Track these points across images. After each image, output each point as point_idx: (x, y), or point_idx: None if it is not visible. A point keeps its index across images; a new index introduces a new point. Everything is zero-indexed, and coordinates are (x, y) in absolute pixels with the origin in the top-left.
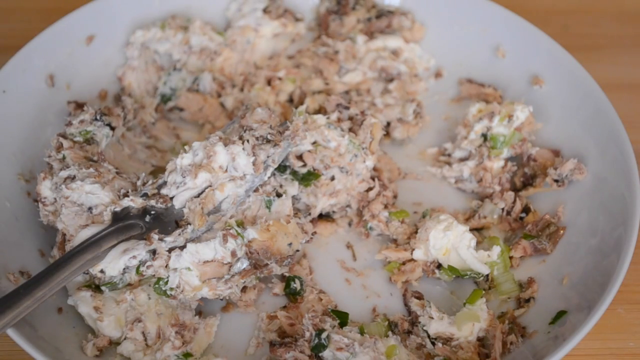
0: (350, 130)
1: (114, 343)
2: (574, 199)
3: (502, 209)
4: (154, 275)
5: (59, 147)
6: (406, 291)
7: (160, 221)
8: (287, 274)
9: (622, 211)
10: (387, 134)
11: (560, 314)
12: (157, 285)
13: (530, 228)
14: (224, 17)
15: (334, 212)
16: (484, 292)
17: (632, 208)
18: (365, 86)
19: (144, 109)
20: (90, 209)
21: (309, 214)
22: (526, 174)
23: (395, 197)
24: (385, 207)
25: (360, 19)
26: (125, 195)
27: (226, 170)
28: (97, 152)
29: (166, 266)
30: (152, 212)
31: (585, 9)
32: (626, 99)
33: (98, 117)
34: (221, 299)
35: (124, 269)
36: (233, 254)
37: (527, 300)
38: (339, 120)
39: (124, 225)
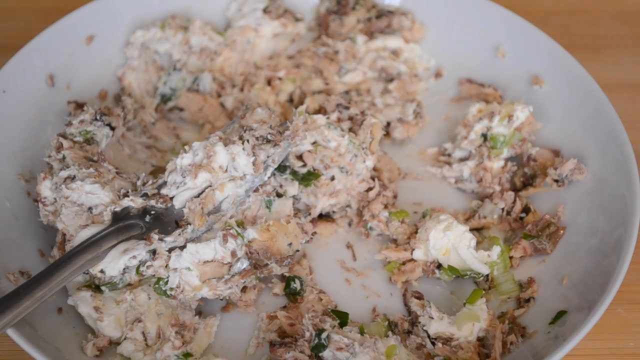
0: (350, 130)
1: (114, 343)
2: (574, 199)
3: (502, 209)
4: (154, 275)
5: (59, 147)
6: (406, 291)
7: (160, 221)
8: (287, 274)
9: (622, 211)
10: (387, 134)
11: (560, 314)
12: (157, 285)
13: (530, 228)
14: (224, 17)
15: (334, 212)
16: (484, 292)
17: (632, 208)
18: (365, 86)
19: (144, 109)
20: (90, 209)
21: (309, 214)
22: (526, 174)
23: (395, 197)
24: (385, 207)
25: (360, 19)
26: (125, 195)
27: (226, 170)
28: (97, 152)
29: (166, 266)
30: (152, 212)
31: (585, 9)
32: (626, 99)
33: (98, 117)
34: (221, 299)
35: (124, 269)
36: (233, 254)
37: (527, 300)
38: (339, 120)
39: (124, 225)
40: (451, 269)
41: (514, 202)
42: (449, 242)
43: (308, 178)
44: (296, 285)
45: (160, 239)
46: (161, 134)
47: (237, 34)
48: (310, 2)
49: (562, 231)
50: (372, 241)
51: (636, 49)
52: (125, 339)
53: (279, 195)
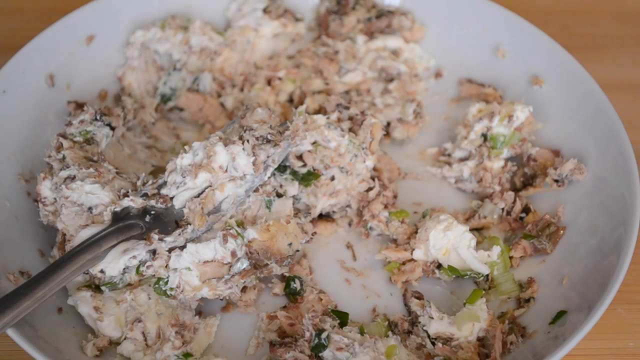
0: (350, 130)
1: (114, 343)
2: (574, 199)
3: (502, 209)
4: (154, 275)
5: (59, 147)
6: (406, 291)
7: (160, 221)
8: (287, 274)
9: (622, 211)
10: (387, 134)
11: (560, 314)
12: (157, 285)
13: (530, 228)
14: (224, 17)
15: (334, 212)
16: (484, 292)
17: (632, 208)
18: (365, 86)
19: (144, 109)
20: (90, 209)
21: (309, 214)
22: (526, 174)
23: (395, 197)
24: (385, 207)
25: (360, 19)
26: (125, 195)
27: (226, 170)
28: (97, 152)
29: (166, 266)
30: (152, 212)
31: (585, 9)
32: (626, 99)
33: (98, 117)
34: (221, 299)
35: (124, 269)
36: (233, 254)
37: (527, 300)
38: (339, 120)
39: (124, 225)
40: (451, 269)
41: (514, 202)
42: (449, 242)
43: (308, 178)
44: (296, 285)
45: (160, 239)
46: (161, 134)
47: (237, 34)
48: (310, 2)
49: (562, 231)
50: (372, 241)
51: (636, 49)
52: (125, 339)
53: (279, 195)
